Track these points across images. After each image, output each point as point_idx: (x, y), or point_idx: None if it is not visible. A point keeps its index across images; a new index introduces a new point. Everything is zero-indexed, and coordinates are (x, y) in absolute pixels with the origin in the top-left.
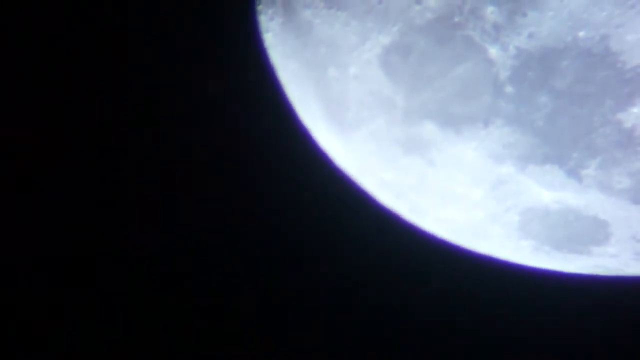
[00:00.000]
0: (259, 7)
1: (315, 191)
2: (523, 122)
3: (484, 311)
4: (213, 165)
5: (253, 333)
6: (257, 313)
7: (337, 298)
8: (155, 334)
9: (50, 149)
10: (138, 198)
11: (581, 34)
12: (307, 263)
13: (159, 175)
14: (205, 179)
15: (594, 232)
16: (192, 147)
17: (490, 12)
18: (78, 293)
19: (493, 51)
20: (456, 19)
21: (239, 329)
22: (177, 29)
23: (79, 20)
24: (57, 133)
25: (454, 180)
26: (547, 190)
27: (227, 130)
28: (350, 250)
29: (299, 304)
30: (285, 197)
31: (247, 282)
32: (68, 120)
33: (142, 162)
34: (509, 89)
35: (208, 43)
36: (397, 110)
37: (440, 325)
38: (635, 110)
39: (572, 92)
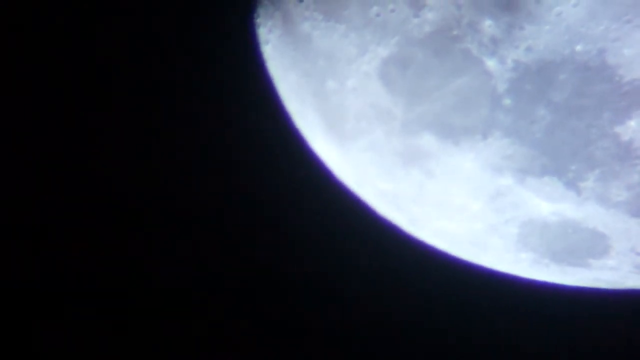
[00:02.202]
0: (258, 20)
1: (313, 202)
2: (521, 134)
3: (482, 323)
4: (211, 175)
5: (250, 340)
6: (256, 320)
7: (335, 308)
8: (153, 339)
9: (45, 150)
10: (137, 201)
11: (578, 47)
12: (304, 273)
13: (158, 183)
14: (204, 188)
15: (592, 244)
16: (190, 157)
17: (488, 26)
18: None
19: (491, 64)
20: (454, 32)
21: (236, 335)
22: (175, 41)
23: (79, 22)
24: (54, 134)
25: (453, 191)
26: (546, 202)
27: (225, 141)
28: (348, 261)
29: (297, 313)
30: (283, 207)
31: (245, 290)
32: (65, 121)
33: (142, 170)
34: (507, 101)
35: (206, 55)
36: (395, 121)
37: (439, 337)
38: (632, 123)
39: (570, 105)
